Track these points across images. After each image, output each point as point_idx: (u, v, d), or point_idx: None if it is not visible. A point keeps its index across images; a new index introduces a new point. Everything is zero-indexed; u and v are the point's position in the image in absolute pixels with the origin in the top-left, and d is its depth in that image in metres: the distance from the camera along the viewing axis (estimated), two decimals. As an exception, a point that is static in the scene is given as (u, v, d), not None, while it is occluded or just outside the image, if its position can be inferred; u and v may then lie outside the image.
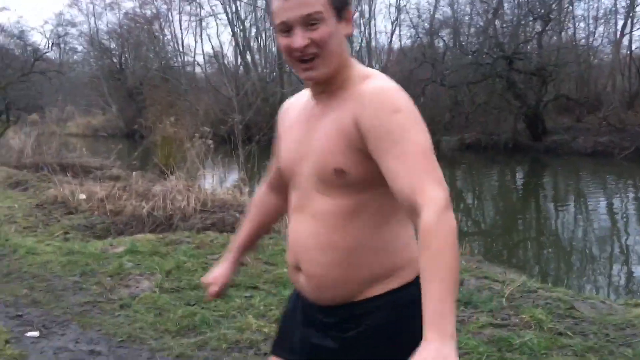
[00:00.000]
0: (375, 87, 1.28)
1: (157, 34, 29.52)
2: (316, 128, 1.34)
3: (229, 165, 11.13)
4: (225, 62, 26.30)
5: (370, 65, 22.94)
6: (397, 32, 25.45)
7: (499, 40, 18.73)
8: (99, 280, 4.21)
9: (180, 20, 28.34)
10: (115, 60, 31.20)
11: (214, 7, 25.68)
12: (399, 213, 1.31)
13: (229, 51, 26.32)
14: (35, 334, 3.27)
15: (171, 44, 30.06)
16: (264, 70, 26.57)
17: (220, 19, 25.95)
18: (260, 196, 1.68)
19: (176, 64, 29.94)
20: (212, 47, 27.20)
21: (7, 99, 17.31)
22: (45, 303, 3.81)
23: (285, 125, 1.49)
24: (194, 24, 27.85)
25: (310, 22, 1.25)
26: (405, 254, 1.35)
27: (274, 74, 25.68)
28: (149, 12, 29.00)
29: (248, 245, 1.68)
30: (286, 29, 1.27)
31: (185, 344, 3.05)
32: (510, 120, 18.63)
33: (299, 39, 1.25)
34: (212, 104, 21.24)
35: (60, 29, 30.20)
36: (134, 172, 8.96)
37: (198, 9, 26.94)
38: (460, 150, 18.51)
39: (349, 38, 1.38)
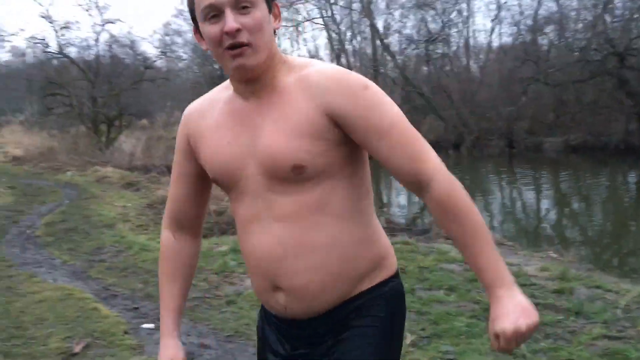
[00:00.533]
0: (331, 71, 1.21)
1: (255, 40, 30.45)
2: (260, 126, 1.22)
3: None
4: (321, 65, 26.62)
5: (468, 66, 22.40)
6: (497, 29, 24.66)
7: (609, 36, 17.58)
8: (205, 277, 4.42)
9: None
10: (215, 67, 32.57)
11: (310, 12, 26.05)
12: (365, 200, 1.27)
13: (324, 54, 26.63)
14: (151, 325, 3.49)
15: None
16: (359, 73, 26.61)
17: (316, 23, 26.32)
18: (170, 246, 1.39)
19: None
20: (308, 52, 27.63)
21: (120, 106, 18.59)
22: (158, 297, 4.05)
23: (202, 130, 1.30)
24: (290, 29, 28.41)
25: (241, 5, 1.15)
26: (383, 242, 1.31)
27: (369, 76, 25.70)
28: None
29: (181, 312, 1.40)
30: (214, 12, 1.15)
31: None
32: (621, 121, 17.44)
33: (231, 21, 1.13)
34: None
35: (167, 38, 32.01)
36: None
37: (294, 15, 27.52)
38: (565, 152, 17.59)
39: (277, 32, 1.29)
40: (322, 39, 31.29)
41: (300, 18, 26.71)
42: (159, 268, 1.40)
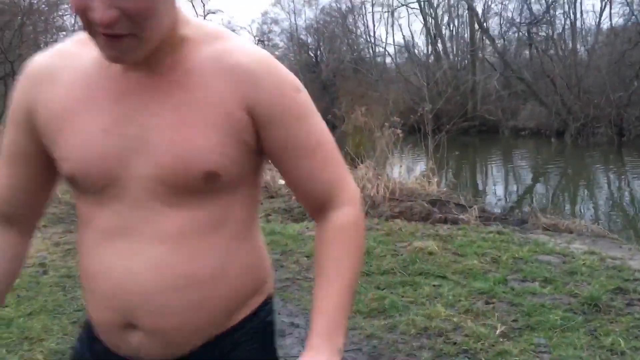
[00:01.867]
0: (259, 55, 0.93)
1: (350, 27, 30.51)
2: (156, 111, 0.89)
3: (417, 154, 11.16)
4: (416, 51, 26.23)
5: (574, 49, 21.12)
6: (607, 10, 23.06)
7: None
8: (296, 259, 4.54)
9: (372, 12, 28.81)
10: (311, 54, 33.00)
11: (406, -4, 25.64)
12: (257, 214, 1.05)
13: (419, 40, 26.17)
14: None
15: (364, 36, 30.84)
16: (455, 59, 25.96)
17: (412, 9, 25.89)
18: None
19: (368, 56, 30.65)
20: (403, 37, 27.26)
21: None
22: None
23: (55, 102, 0.93)
24: (385, 15, 28.13)
25: None
26: (266, 263, 1.07)
27: (466, 61, 24.97)
28: (343, 7, 30.09)
29: None
30: None
31: (376, 325, 3.16)
32: None
33: (100, 10, 0.77)
34: (401, 93, 21.38)
35: (265, 27, 32.85)
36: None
37: (390, 0, 27.21)
38: (682, 141, 16.22)
39: None
40: (417, 24, 30.66)
41: (395, 3, 26.37)
42: None
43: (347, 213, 0.98)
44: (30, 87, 0.96)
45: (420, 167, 10.09)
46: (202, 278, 0.93)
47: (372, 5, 28.87)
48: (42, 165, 1.00)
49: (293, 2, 33.04)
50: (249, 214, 1.00)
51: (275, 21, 33.68)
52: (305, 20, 33.08)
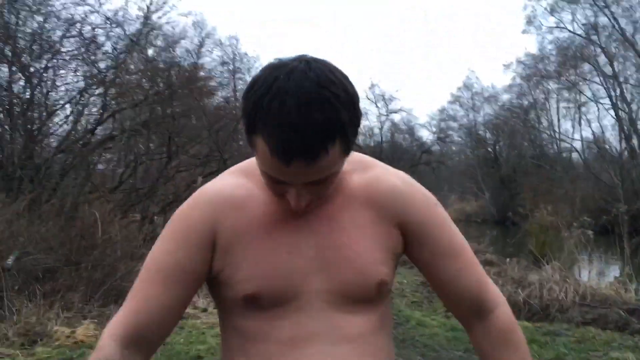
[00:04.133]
0: (401, 178, 1.11)
1: (532, 122, 29.81)
2: (326, 234, 1.04)
3: (610, 257, 10.32)
4: (607, 147, 24.65)
5: None
6: None
7: None
8: None
9: (557, 107, 27.93)
10: (489, 150, 32.63)
11: (595, 92, 24.56)
12: None
13: (611, 135, 24.60)
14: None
15: (547, 131, 29.87)
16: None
17: (602, 104, 24.66)
18: None
19: (552, 151, 29.45)
20: (593, 133, 25.83)
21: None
22: (436, 370, 4.29)
23: (242, 227, 1.03)
24: (572, 110, 27.09)
25: (315, 180, 0.97)
26: None
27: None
28: (525, 103, 29.65)
29: None
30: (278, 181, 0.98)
31: None
32: None
33: (297, 200, 0.98)
34: (591, 191, 20.06)
35: (443, 124, 33.48)
36: (508, 259, 9.18)
37: (578, 95, 26.25)
38: None
39: None
40: (609, 118, 28.97)
41: (583, 98, 25.35)
42: None
43: (506, 312, 1.09)
44: (212, 212, 1.03)
45: (614, 271, 9.33)
46: None
47: (558, 101, 28.00)
48: (198, 284, 1.05)
49: (472, 98, 33.38)
50: (391, 321, 1.14)
51: (453, 118, 34.15)
52: (483, 116, 33.03)
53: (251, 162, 1.08)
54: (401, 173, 1.13)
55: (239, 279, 1.02)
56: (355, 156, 1.09)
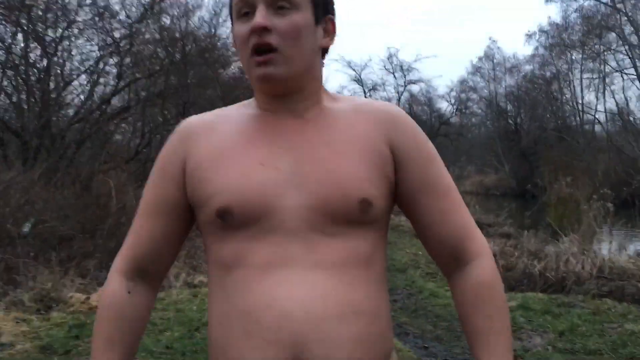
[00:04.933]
0: (394, 107, 1.08)
1: (555, 93, 29.24)
2: (308, 148, 0.98)
3: (631, 231, 10.17)
4: (631, 118, 24.13)
5: None
6: None
7: None
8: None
9: (581, 79, 27.32)
10: (510, 122, 32.14)
11: (620, 62, 23.95)
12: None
13: (635, 107, 24.05)
14: (439, 364, 3.71)
15: (570, 103, 29.31)
16: (680, 127, 23.26)
17: (627, 75, 24.04)
18: (121, 301, 1.03)
19: (574, 123, 28.94)
20: (617, 104, 25.27)
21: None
22: (447, 340, 4.28)
23: (213, 148, 1.01)
24: (596, 81, 26.49)
25: (278, 4, 0.96)
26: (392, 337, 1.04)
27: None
28: (548, 74, 29.05)
29: None
30: (246, 9, 0.97)
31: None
32: None
33: (260, 16, 0.94)
34: (612, 164, 19.71)
35: (463, 95, 33.00)
36: (525, 231, 9.10)
37: (602, 66, 25.63)
38: None
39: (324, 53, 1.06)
40: (634, 89, 28.31)
41: (607, 69, 24.78)
42: (95, 325, 1.03)
43: (486, 266, 1.00)
44: (184, 140, 1.03)
45: (635, 245, 9.20)
46: (363, 309, 0.94)
47: (581, 71, 27.37)
48: (183, 215, 1.04)
49: (494, 70, 32.78)
50: (385, 260, 1.03)
51: (474, 89, 33.63)
52: (505, 88, 32.45)
53: (251, 99, 1.09)
54: (393, 104, 1.10)
55: (210, 194, 0.97)
56: (337, 94, 1.10)
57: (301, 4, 0.97)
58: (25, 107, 7.93)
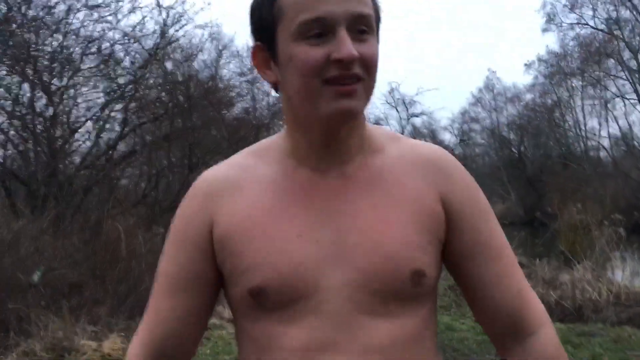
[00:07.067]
0: (444, 152, 0.92)
1: (557, 121, 29.35)
2: (347, 213, 0.84)
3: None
4: (636, 143, 24.14)
5: None
6: None
7: None
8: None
9: (582, 105, 27.45)
10: (514, 150, 32.19)
11: (621, 87, 24.11)
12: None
13: (639, 131, 24.09)
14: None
15: (573, 129, 29.38)
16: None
17: (628, 99, 24.16)
18: None
19: (578, 149, 28.96)
20: (620, 129, 25.33)
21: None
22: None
23: (240, 210, 0.87)
24: (597, 107, 26.61)
25: (360, 27, 0.80)
26: None
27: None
28: (549, 101, 29.22)
29: None
30: (320, 30, 0.79)
31: None
32: None
33: (350, 45, 0.78)
34: (620, 189, 19.61)
35: (465, 126, 33.17)
36: (537, 259, 8.98)
37: (603, 92, 25.79)
38: None
39: None
40: (636, 114, 28.42)
41: (609, 95, 24.94)
42: None
43: (551, 336, 0.89)
44: (207, 201, 0.89)
45: (650, 269, 9.07)
46: None
47: (582, 98, 27.53)
48: (212, 290, 0.91)
49: (494, 100, 33.02)
50: (436, 332, 0.92)
51: (476, 120, 33.81)
52: (506, 117, 32.60)
53: (262, 143, 0.94)
54: (441, 148, 0.95)
55: (242, 270, 0.84)
56: (381, 129, 0.95)
57: (374, 28, 0.83)
58: (33, 155, 7.99)
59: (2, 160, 8.13)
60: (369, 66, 0.81)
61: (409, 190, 0.86)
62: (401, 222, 0.84)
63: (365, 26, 0.80)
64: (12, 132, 8.11)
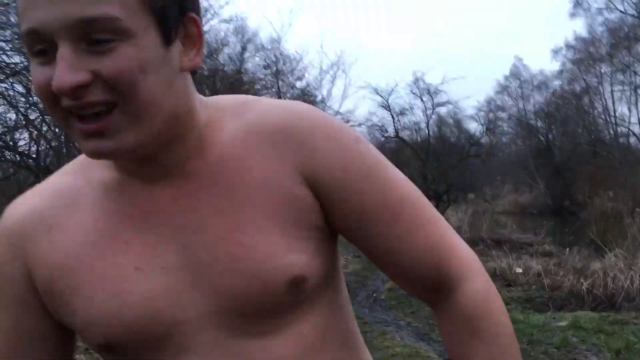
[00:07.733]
0: (300, 112, 0.71)
1: (586, 108, 28.84)
2: (192, 226, 0.68)
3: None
4: (667, 129, 23.58)
5: None
6: None
7: None
8: (544, 350, 4.37)
9: (612, 91, 26.90)
10: (542, 139, 31.73)
11: (650, 72, 23.53)
12: (351, 311, 0.81)
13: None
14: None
15: (602, 116, 28.84)
16: None
17: (658, 83, 23.56)
18: None
19: (608, 137, 28.42)
20: (650, 115, 24.74)
21: (448, 181, 19.62)
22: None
23: (61, 253, 0.69)
24: (627, 93, 26.04)
25: (96, 37, 0.58)
26: None
27: None
28: (577, 88, 28.71)
29: None
30: (40, 46, 0.59)
31: None
32: None
33: (61, 71, 0.57)
34: (652, 176, 19.19)
35: (491, 114, 32.79)
36: (567, 249, 8.89)
37: (633, 77, 25.23)
38: None
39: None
40: (667, 99, 27.68)
41: (638, 80, 24.40)
42: None
43: (475, 289, 0.73)
44: (17, 246, 0.70)
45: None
46: None
47: (612, 84, 26.96)
48: (60, 343, 0.74)
49: (521, 87, 32.54)
50: (351, 326, 0.80)
51: (502, 108, 33.38)
52: (534, 105, 32.11)
53: (80, 156, 0.75)
54: (296, 103, 0.73)
55: (80, 326, 0.68)
56: (225, 99, 0.74)
57: (132, 28, 0.59)
58: (65, 152, 8.17)
59: (35, 156, 8.31)
60: (118, 85, 0.59)
61: (259, 176, 0.68)
62: (257, 223, 0.67)
63: (105, 34, 0.58)
64: (45, 128, 8.29)
